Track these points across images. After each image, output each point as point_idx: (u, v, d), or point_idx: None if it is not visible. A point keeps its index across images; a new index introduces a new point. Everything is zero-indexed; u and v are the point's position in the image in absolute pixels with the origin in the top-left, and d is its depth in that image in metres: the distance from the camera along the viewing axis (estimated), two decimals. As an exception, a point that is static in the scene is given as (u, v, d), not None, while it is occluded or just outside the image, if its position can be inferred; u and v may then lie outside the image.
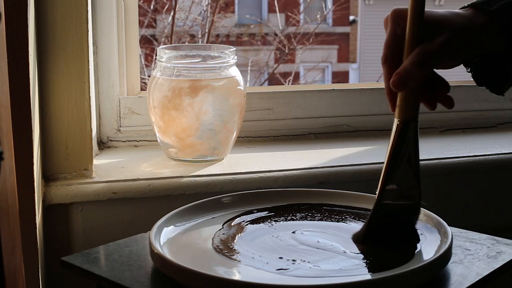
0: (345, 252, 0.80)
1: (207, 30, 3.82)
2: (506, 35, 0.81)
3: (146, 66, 3.80)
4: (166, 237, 0.84)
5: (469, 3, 0.84)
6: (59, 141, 1.01)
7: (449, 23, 0.80)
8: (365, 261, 0.77)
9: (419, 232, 0.83)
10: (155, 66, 1.12)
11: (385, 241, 0.81)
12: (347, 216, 0.91)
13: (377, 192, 0.82)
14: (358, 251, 0.80)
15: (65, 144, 1.01)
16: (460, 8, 0.84)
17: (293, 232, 0.85)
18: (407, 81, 0.79)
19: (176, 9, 3.69)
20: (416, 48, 0.79)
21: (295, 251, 0.80)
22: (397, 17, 0.80)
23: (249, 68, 4.65)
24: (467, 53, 0.83)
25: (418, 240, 0.82)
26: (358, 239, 0.83)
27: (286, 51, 4.55)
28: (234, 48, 1.12)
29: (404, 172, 0.81)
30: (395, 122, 0.80)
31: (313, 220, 0.90)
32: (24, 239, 0.82)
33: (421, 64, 0.79)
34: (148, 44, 4.74)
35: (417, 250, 0.80)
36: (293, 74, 4.88)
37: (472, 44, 0.82)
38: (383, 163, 1.12)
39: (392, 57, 0.80)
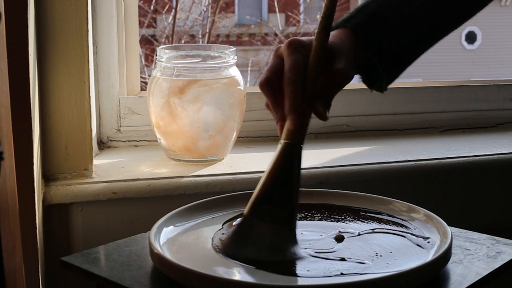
0: (345, 252, 0.80)
1: (207, 30, 3.81)
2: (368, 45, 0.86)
3: (147, 66, 3.79)
4: (166, 237, 0.83)
5: (340, 22, 0.88)
6: (59, 141, 1.01)
7: (339, 52, 0.84)
8: (365, 261, 0.77)
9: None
10: (155, 66, 1.12)
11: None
12: (347, 216, 0.91)
13: (247, 208, 0.81)
14: (357, 253, 0.80)
15: (65, 144, 1.01)
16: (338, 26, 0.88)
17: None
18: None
19: (177, 9, 3.69)
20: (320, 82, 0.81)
21: (296, 251, 0.80)
22: (298, 45, 0.82)
23: (249, 68, 4.65)
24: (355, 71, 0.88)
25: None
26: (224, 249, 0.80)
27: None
28: (234, 48, 1.12)
29: (282, 193, 0.80)
30: (282, 143, 0.80)
31: (313, 220, 0.90)
32: (24, 239, 0.82)
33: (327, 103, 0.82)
34: (149, 44, 4.73)
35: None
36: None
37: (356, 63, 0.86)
38: (383, 163, 1.13)
39: (275, 80, 0.81)
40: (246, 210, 0.81)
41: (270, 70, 0.82)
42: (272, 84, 0.81)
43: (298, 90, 0.79)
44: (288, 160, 0.80)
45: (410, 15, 0.88)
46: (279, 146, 0.80)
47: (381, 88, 0.91)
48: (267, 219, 0.80)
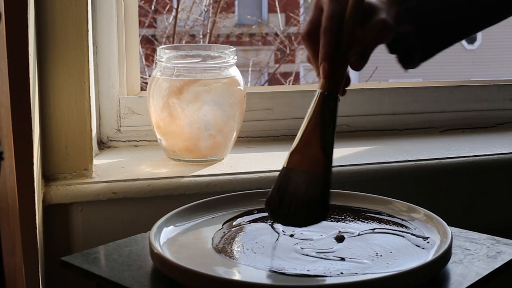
0: (344, 252, 0.80)
1: (208, 31, 3.81)
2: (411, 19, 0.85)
3: (147, 66, 3.79)
4: (166, 237, 0.84)
5: None
6: (59, 141, 1.01)
7: (380, 8, 0.83)
8: (365, 261, 0.77)
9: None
10: (155, 66, 1.12)
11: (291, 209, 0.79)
12: (347, 216, 0.91)
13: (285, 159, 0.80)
14: (357, 253, 0.80)
15: (65, 144, 1.01)
16: None
17: (293, 232, 0.85)
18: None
19: (178, 9, 3.69)
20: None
21: (295, 251, 0.80)
22: None
23: (250, 68, 4.65)
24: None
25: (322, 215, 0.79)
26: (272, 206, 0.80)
27: (288, 52, 4.55)
28: (234, 48, 1.12)
29: (315, 141, 0.80)
30: (317, 93, 0.80)
31: (313, 220, 0.90)
32: (24, 239, 0.82)
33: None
34: (149, 44, 4.73)
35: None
36: (293, 75, 4.88)
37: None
38: (383, 163, 1.13)
39: (315, 33, 0.81)
40: (284, 161, 0.80)
41: (310, 22, 0.82)
42: (313, 36, 0.81)
43: (333, 39, 0.79)
44: (323, 109, 0.79)
45: None
46: (314, 97, 0.80)
47: (414, 63, 0.89)
48: (301, 169, 0.79)
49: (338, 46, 0.79)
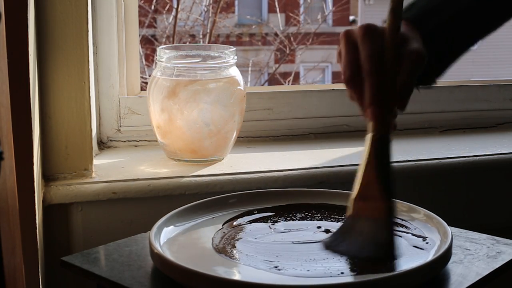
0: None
1: (208, 31, 3.82)
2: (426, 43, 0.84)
3: (147, 66, 3.80)
4: (166, 237, 0.84)
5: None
6: (59, 141, 1.01)
7: (408, 36, 0.82)
8: (363, 262, 0.77)
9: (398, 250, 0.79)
10: (155, 66, 1.12)
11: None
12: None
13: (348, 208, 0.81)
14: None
15: (65, 144, 1.01)
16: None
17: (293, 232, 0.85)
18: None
19: (178, 9, 3.69)
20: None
21: (295, 251, 0.80)
22: (372, 31, 0.80)
23: (249, 68, 4.65)
24: None
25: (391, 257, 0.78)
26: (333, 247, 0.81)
27: (287, 52, 4.55)
28: (234, 48, 1.12)
29: (373, 187, 0.80)
30: (368, 136, 0.80)
31: (313, 220, 0.90)
32: (24, 239, 0.82)
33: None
34: (149, 44, 4.74)
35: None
36: (293, 74, 4.88)
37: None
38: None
39: (357, 75, 0.80)
40: (347, 210, 0.81)
41: (349, 64, 0.80)
42: (356, 79, 0.80)
43: (378, 81, 0.78)
44: (378, 154, 0.79)
45: (460, 10, 0.87)
46: (367, 140, 0.80)
47: (431, 83, 0.89)
48: (364, 215, 0.79)
49: (383, 87, 0.78)
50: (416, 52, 0.80)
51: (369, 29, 0.80)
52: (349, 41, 0.81)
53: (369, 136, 0.79)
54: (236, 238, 0.84)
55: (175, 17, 3.68)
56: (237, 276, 0.76)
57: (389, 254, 0.77)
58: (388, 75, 0.79)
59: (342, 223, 0.83)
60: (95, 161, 1.08)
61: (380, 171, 0.79)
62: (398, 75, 0.79)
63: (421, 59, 0.80)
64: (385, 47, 0.79)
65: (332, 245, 0.80)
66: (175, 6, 3.79)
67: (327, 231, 0.86)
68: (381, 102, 0.78)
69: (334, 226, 0.88)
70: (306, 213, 0.92)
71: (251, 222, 0.89)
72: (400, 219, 0.89)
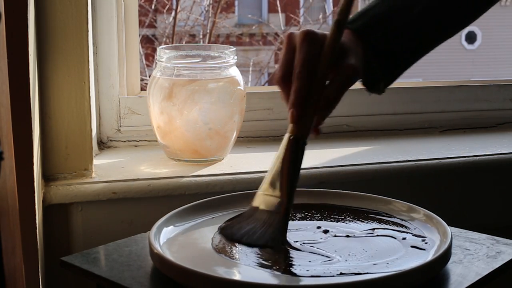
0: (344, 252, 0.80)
1: (208, 31, 3.82)
2: (371, 47, 0.87)
3: (148, 66, 3.79)
4: (166, 237, 0.83)
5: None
6: (59, 141, 1.01)
7: (349, 49, 0.84)
8: (363, 262, 0.77)
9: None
10: (155, 66, 1.12)
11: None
12: (347, 216, 0.91)
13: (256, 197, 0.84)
14: (357, 253, 0.80)
15: (65, 144, 1.02)
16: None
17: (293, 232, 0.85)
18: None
19: (178, 10, 3.69)
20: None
21: (295, 250, 0.80)
22: (312, 38, 0.81)
23: (250, 68, 4.65)
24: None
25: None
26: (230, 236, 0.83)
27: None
28: (234, 48, 1.12)
29: (279, 183, 0.83)
30: (285, 136, 0.82)
31: (313, 220, 0.90)
32: (24, 239, 0.82)
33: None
34: (149, 44, 4.73)
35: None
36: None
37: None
38: (383, 163, 1.13)
39: (289, 76, 0.82)
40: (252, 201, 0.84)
41: (283, 65, 0.82)
42: (286, 80, 0.82)
43: (304, 86, 0.80)
44: (288, 154, 0.81)
45: (411, 20, 0.89)
46: (283, 140, 0.82)
47: (379, 90, 0.91)
48: (266, 207, 0.82)
49: (309, 92, 0.80)
50: (352, 67, 0.82)
51: (309, 35, 0.82)
52: (290, 43, 0.83)
53: (286, 136, 0.82)
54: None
55: (175, 17, 3.68)
56: (237, 276, 0.76)
57: (277, 245, 0.80)
58: (317, 82, 0.80)
59: (242, 212, 0.85)
60: (95, 161, 1.08)
61: (289, 171, 0.81)
62: (328, 85, 0.81)
63: (355, 74, 0.82)
64: (322, 55, 0.81)
65: (229, 231, 0.84)
66: (175, 7, 3.79)
67: (325, 231, 0.86)
68: (302, 106, 0.80)
69: (334, 226, 0.88)
70: (306, 213, 0.92)
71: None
72: (400, 219, 0.89)
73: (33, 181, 0.87)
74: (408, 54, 0.91)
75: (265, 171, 1.07)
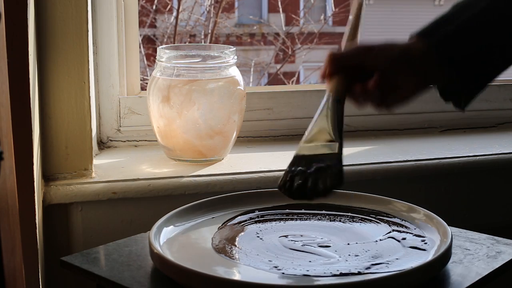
0: (343, 252, 0.80)
1: (209, 31, 3.82)
2: (449, 63, 0.87)
3: (149, 66, 3.79)
4: (166, 237, 0.84)
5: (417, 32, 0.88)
6: (59, 141, 1.01)
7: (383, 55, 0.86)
8: (363, 261, 0.77)
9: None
10: (155, 66, 1.12)
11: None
12: (347, 216, 0.91)
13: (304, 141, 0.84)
14: (357, 253, 0.80)
15: (65, 144, 1.02)
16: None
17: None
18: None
19: (179, 10, 3.69)
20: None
21: (295, 250, 0.80)
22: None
23: (252, 68, 4.65)
24: (410, 84, 0.89)
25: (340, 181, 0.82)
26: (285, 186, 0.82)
27: (289, 52, 4.55)
28: (234, 48, 1.12)
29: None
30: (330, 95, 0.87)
31: (313, 220, 0.90)
32: (24, 239, 0.82)
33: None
34: (151, 44, 4.73)
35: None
36: (296, 75, 4.88)
37: (410, 73, 0.87)
38: (383, 163, 1.13)
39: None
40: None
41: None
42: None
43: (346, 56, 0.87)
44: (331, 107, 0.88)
45: (474, 15, 0.87)
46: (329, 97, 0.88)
47: (460, 104, 0.93)
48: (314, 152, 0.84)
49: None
50: (381, 106, 0.90)
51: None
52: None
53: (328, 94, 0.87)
54: (236, 238, 0.84)
55: (176, 17, 3.68)
56: (236, 276, 0.76)
57: (341, 181, 0.82)
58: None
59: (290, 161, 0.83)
60: (95, 161, 1.08)
61: (334, 121, 0.87)
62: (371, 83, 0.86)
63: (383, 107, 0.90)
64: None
65: (286, 186, 0.81)
66: (176, 7, 3.79)
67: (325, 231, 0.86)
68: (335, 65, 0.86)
69: (334, 226, 0.88)
70: (306, 213, 0.92)
71: (250, 222, 0.89)
72: (400, 219, 0.89)
73: (33, 181, 0.86)
74: (482, 59, 0.88)
75: (265, 171, 1.07)
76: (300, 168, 0.81)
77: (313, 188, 0.79)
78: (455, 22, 0.86)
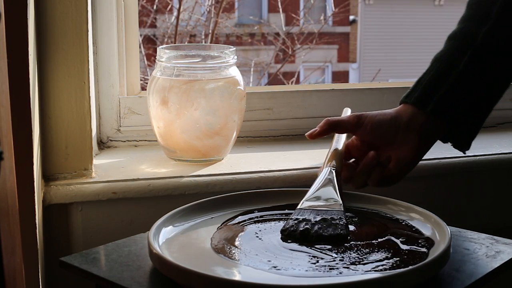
0: (343, 251, 0.80)
1: (210, 31, 3.82)
2: (447, 123, 0.96)
3: (149, 66, 3.80)
4: (165, 237, 0.84)
5: (406, 98, 0.98)
6: (59, 141, 1.01)
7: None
8: (362, 261, 0.77)
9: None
10: (155, 66, 1.12)
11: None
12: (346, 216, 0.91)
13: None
14: (357, 253, 0.80)
15: (65, 144, 1.02)
16: (401, 103, 0.99)
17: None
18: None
19: (180, 10, 3.70)
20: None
21: (294, 251, 0.80)
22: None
23: (252, 68, 4.65)
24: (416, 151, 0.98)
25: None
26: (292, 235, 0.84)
27: (290, 52, 4.55)
28: (234, 48, 1.12)
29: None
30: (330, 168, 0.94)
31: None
32: (24, 239, 0.82)
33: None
34: (151, 44, 4.74)
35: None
36: (296, 75, 4.88)
37: (409, 142, 0.97)
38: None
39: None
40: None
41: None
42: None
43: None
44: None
45: (459, 75, 0.95)
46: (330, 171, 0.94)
47: (463, 148, 1.00)
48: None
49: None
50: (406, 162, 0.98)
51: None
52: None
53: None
54: (236, 238, 0.84)
55: (177, 17, 3.68)
56: (236, 276, 0.76)
57: (346, 232, 0.84)
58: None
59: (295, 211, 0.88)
60: (95, 161, 1.08)
61: (334, 187, 0.91)
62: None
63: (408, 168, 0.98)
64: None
65: (290, 229, 0.85)
66: (177, 7, 3.80)
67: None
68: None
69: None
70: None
71: (250, 222, 0.89)
72: (400, 219, 0.89)
73: (33, 181, 0.87)
74: (474, 107, 0.98)
75: (265, 171, 1.07)
76: (305, 217, 0.86)
77: (318, 233, 0.83)
78: (443, 86, 0.94)
